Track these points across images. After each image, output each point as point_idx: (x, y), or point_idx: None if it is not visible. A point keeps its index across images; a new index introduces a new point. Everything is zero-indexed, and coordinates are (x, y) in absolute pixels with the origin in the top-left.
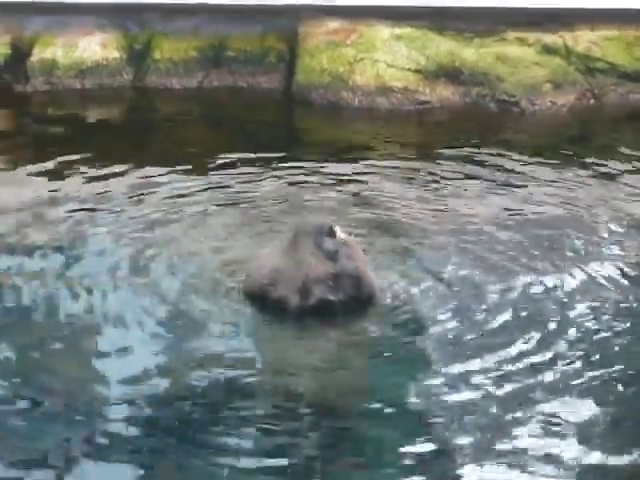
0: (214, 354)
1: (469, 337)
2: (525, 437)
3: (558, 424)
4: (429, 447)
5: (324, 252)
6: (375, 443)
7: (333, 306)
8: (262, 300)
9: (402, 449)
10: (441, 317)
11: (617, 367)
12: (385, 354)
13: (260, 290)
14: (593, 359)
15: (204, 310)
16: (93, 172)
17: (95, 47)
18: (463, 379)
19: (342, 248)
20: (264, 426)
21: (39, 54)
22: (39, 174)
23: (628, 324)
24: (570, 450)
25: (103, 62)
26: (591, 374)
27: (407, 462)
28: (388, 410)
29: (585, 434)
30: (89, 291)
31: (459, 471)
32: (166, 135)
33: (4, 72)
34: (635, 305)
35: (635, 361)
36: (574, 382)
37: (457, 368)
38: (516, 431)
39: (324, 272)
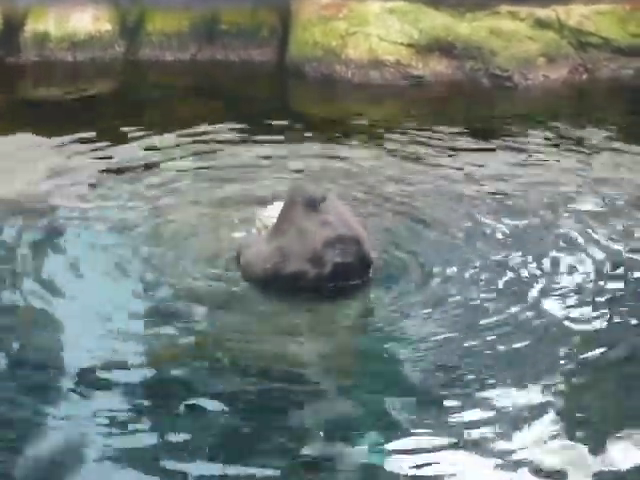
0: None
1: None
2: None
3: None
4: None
5: (322, 218)
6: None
7: (347, 270)
8: (273, 281)
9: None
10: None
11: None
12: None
13: (268, 271)
14: None
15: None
16: (85, 143)
17: (87, 20)
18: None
19: (337, 214)
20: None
21: (31, 26)
22: (31, 146)
23: None
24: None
25: (96, 35)
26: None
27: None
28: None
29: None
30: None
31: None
32: (158, 108)
33: None
34: None
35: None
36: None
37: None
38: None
39: (330, 237)
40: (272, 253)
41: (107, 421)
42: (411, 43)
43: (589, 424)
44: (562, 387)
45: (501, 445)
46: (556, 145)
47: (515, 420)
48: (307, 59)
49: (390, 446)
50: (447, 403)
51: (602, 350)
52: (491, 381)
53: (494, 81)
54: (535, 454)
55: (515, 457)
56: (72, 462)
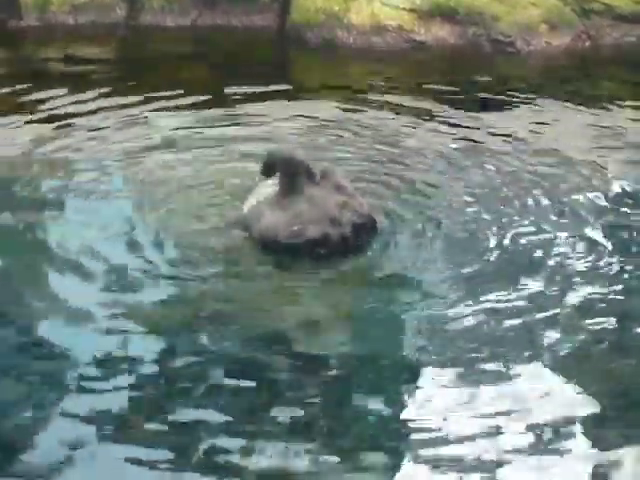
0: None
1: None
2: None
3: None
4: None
5: (330, 183)
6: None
7: (365, 229)
8: (298, 246)
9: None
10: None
11: None
12: None
13: (293, 236)
14: None
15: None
16: (84, 107)
17: None
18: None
19: (339, 179)
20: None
21: None
22: (33, 109)
23: None
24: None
25: None
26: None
27: None
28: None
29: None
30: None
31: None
32: (159, 72)
33: None
34: None
35: None
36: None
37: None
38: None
39: (342, 201)
40: (291, 220)
41: (110, 388)
42: (413, 8)
43: None
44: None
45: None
46: (565, 106)
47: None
48: (309, 25)
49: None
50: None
51: None
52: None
53: (496, 47)
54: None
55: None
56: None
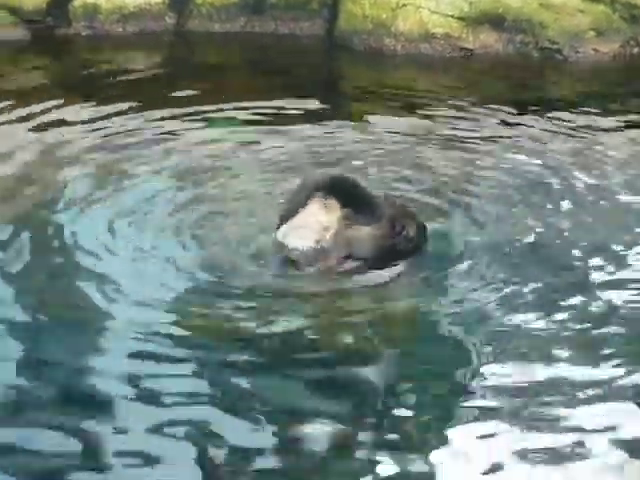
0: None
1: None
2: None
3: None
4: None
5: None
6: None
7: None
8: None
9: None
10: None
11: None
12: None
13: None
14: None
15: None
16: (136, 116)
17: None
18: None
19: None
20: None
21: None
22: (77, 117)
23: None
24: None
25: (146, 7)
26: None
27: None
28: None
29: None
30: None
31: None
32: (208, 80)
33: (47, 15)
34: None
35: None
36: None
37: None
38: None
39: (391, 214)
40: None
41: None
42: (461, 16)
43: None
44: None
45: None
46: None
47: None
48: (356, 32)
49: None
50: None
51: None
52: None
53: (544, 54)
54: None
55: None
56: None
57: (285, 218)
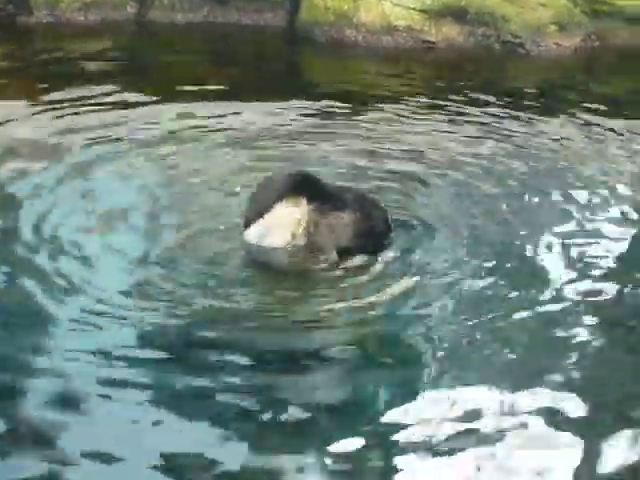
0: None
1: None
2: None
3: None
4: None
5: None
6: None
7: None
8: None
9: None
10: None
11: None
12: None
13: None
14: None
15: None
16: (96, 105)
17: None
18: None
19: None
20: None
21: None
22: (43, 107)
23: None
24: None
25: None
26: None
27: None
28: None
29: None
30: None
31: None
32: (169, 70)
33: (8, 3)
34: None
35: None
36: None
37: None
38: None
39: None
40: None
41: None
42: (424, 9)
43: None
44: None
45: None
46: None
47: None
48: (318, 24)
49: None
50: None
51: None
52: None
53: (506, 47)
54: None
55: None
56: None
57: (252, 219)
